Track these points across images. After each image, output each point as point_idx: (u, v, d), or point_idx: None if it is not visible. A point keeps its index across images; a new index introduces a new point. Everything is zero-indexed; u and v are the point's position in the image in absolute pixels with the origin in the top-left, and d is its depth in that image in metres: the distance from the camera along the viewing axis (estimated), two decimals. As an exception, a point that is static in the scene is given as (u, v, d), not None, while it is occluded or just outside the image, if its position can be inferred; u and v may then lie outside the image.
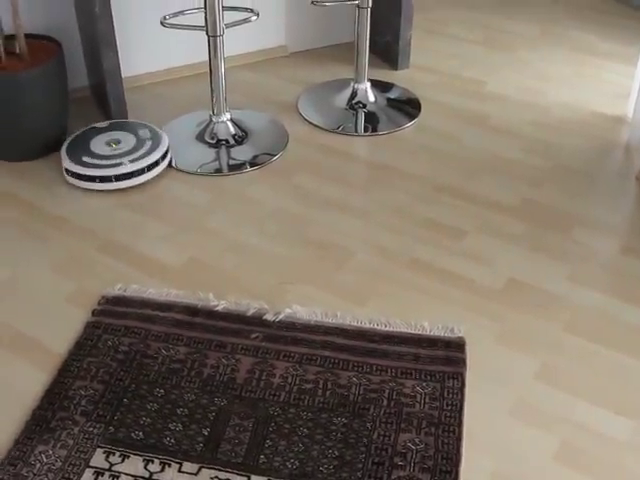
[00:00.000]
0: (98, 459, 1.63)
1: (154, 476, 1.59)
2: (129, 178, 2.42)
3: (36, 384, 1.82)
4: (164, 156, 2.51)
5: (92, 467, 1.62)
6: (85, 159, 2.45)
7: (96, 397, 1.77)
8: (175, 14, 2.53)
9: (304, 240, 2.24)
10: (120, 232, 2.28)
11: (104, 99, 2.75)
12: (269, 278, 2.10)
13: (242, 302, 2.00)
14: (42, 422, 1.72)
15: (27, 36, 2.57)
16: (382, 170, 2.55)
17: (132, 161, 2.43)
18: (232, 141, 2.68)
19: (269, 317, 1.95)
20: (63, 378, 1.82)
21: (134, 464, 1.62)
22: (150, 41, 2.93)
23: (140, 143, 2.51)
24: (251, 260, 2.17)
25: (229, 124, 2.69)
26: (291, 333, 1.91)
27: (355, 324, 1.93)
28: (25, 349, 1.92)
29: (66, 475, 1.60)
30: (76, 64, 2.86)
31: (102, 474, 1.61)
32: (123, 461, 1.63)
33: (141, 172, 2.43)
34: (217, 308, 1.99)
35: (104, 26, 2.53)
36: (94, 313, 2.00)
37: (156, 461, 1.62)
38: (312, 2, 2.66)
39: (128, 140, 2.53)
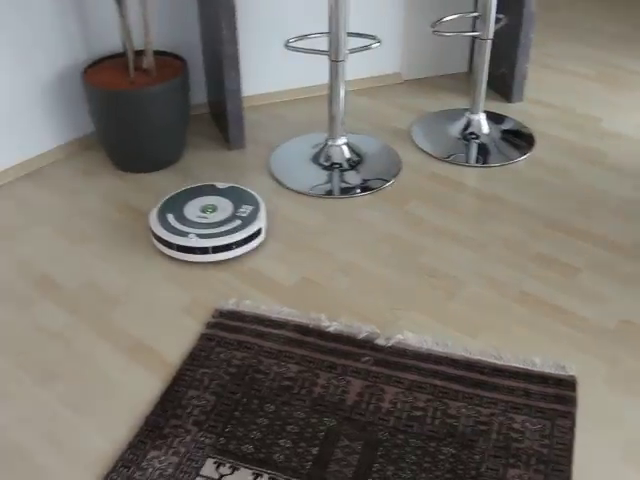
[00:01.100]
0: (209, 469, 1.67)
1: (263, 490, 1.62)
2: (191, 252, 2.27)
3: (150, 391, 1.88)
4: (244, 241, 2.29)
5: (203, 476, 1.66)
6: (169, 219, 2.34)
7: (208, 408, 1.81)
8: (299, 37, 2.59)
9: (415, 267, 2.25)
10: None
11: (223, 118, 2.82)
12: (380, 302, 2.12)
13: (353, 324, 2.02)
14: (155, 428, 1.77)
15: (155, 53, 2.67)
16: (493, 202, 2.55)
17: (203, 236, 2.26)
18: (346, 165, 2.72)
19: (380, 342, 1.97)
20: (177, 387, 1.87)
21: (243, 477, 1.65)
22: (270, 63, 3.01)
23: (231, 218, 2.34)
24: (362, 283, 2.19)
25: (344, 148, 2.73)
26: (401, 359, 1.91)
27: (465, 355, 1.92)
28: (142, 356, 1.99)
29: (179, 481, 1.65)
30: (196, 81, 2.95)
31: (213, 484, 1.64)
32: (232, 473, 1.66)
33: (204, 251, 2.26)
34: (329, 329, 2.02)
35: (229, 48, 2.61)
36: (208, 325, 2.05)
37: (265, 476, 1.65)
38: (433, 32, 2.68)
39: (225, 208, 2.38)
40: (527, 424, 1.73)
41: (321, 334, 2.01)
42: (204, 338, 2.02)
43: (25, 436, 1.79)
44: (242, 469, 1.66)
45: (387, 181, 2.64)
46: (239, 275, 2.23)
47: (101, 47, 2.76)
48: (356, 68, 3.05)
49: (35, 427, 1.81)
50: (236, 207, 2.38)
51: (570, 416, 1.75)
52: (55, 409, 1.86)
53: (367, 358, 1.93)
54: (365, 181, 2.65)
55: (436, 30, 2.67)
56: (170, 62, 2.74)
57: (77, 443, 1.77)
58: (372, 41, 2.55)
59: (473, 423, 1.74)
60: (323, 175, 2.70)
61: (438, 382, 1.85)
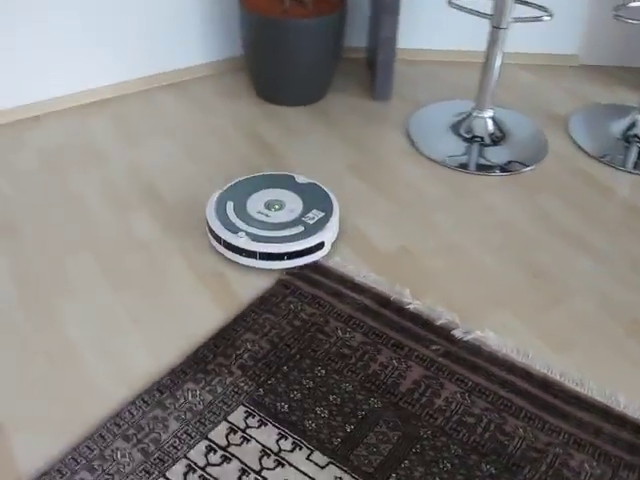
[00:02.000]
0: (237, 416, 1.60)
1: (281, 453, 1.53)
2: (238, 252, 1.97)
3: (211, 322, 1.83)
4: (298, 254, 1.96)
5: (229, 422, 1.59)
6: (228, 208, 2.06)
7: (259, 355, 1.74)
8: (465, -4, 2.40)
9: (524, 263, 2.05)
10: (350, 196, 2.23)
11: (374, 66, 2.69)
12: (472, 291, 1.95)
13: (436, 308, 1.87)
14: (201, 361, 1.72)
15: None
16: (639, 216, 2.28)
17: (255, 238, 1.95)
18: (488, 140, 2.53)
19: (457, 333, 1.81)
20: (236, 326, 1.81)
21: (268, 434, 1.57)
22: (432, 18, 2.83)
23: (295, 222, 2.01)
24: (461, 267, 2.03)
25: (489, 121, 2.53)
26: (473, 358, 1.75)
27: (544, 371, 1.73)
28: (215, 286, 1.94)
29: (202, 420, 1.59)
30: (359, 24, 2.82)
31: (235, 432, 1.57)
32: (259, 427, 1.58)
33: (251, 255, 1.96)
34: (408, 306, 1.88)
35: (391, -8, 2.46)
36: (288, 272, 1.97)
37: (289, 439, 1.56)
38: (614, 16, 2.41)
39: (292, 209, 2.06)
40: (585, 465, 1.54)
41: (399, 310, 1.87)
42: (280, 284, 1.94)
43: (81, 334, 1.79)
44: (269, 426, 1.58)
45: (527, 166, 2.43)
46: (340, 228, 2.12)
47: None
48: (528, 41, 2.82)
49: (93, 328, 1.81)
50: (306, 210, 2.05)
51: (637, 470, 1.53)
52: (118, 317, 1.84)
53: (437, 347, 1.78)
54: (506, 163, 2.45)
55: (618, 15, 2.39)
56: (331, -1, 2.63)
57: (126, 355, 1.75)
58: (543, 13, 2.32)
59: (526, 447, 1.57)
60: (461, 146, 2.52)
61: (503, 392, 1.67)
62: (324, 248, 2.00)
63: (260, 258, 1.94)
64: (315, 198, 2.09)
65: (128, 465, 1.51)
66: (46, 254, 2.03)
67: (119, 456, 1.53)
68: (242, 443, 1.55)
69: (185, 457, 1.53)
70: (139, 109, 2.65)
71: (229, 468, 1.51)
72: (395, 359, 1.75)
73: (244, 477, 1.49)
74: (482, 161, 2.47)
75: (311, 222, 2.00)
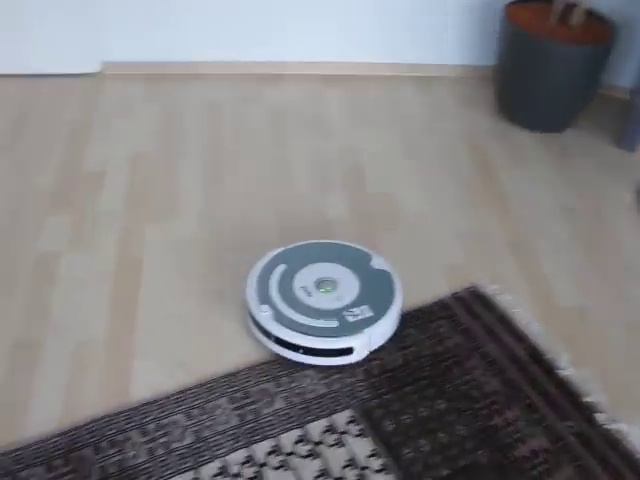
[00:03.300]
0: (341, 418, 1.59)
1: (366, 471, 1.50)
2: (257, 326, 1.71)
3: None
4: (314, 352, 1.66)
5: (331, 420, 1.58)
6: (276, 271, 1.80)
7: (388, 367, 1.71)
8: None
9: None
10: (554, 241, 2.11)
11: (631, 110, 2.49)
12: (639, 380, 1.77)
13: (589, 383, 1.71)
14: (331, 353, 1.71)
15: (587, 11, 2.42)
16: None
17: (278, 318, 1.68)
18: None
19: (600, 418, 1.65)
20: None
21: (362, 446, 1.53)
22: None
23: (333, 313, 1.70)
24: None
25: None
26: (607, 450, 1.59)
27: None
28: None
29: (307, 409, 1.60)
30: (626, 61, 2.63)
31: (332, 432, 1.56)
32: (357, 436, 1.56)
33: (267, 335, 1.69)
34: (560, 371, 1.74)
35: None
36: (454, 295, 1.90)
37: (380, 460, 1.51)
38: None
39: (342, 296, 1.74)
40: None
41: (549, 371, 1.74)
42: (440, 304, 1.87)
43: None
44: (368, 439, 1.55)
45: None
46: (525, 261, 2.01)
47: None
48: None
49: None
50: (356, 302, 1.73)
51: None
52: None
53: (572, 424, 1.63)
54: None
55: None
56: (596, 25, 2.47)
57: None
58: None
59: None
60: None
61: (624, 499, 1.51)
62: (353, 354, 1.68)
63: (275, 342, 1.68)
64: (376, 291, 1.76)
65: (221, 425, 1.55)
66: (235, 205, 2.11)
67: (217, 413, 1.57)
68: (334, 445, 1.53)
69: (275, 438, 1.53)
70: (376, 93, 2.66)
71: (311, 464, 1.49)
72: (522, 420, 1.63)
73: (321, 478, 1.47)
74: None
75: (350, 320, 1.69)
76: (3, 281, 1.87)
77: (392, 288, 1.78)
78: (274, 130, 2.44)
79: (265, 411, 1.58)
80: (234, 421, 1.56)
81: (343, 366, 1.68)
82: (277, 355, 1.69)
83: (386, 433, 1.56)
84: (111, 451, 1.49)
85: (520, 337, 1.81)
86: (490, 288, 1.93)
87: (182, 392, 1.61)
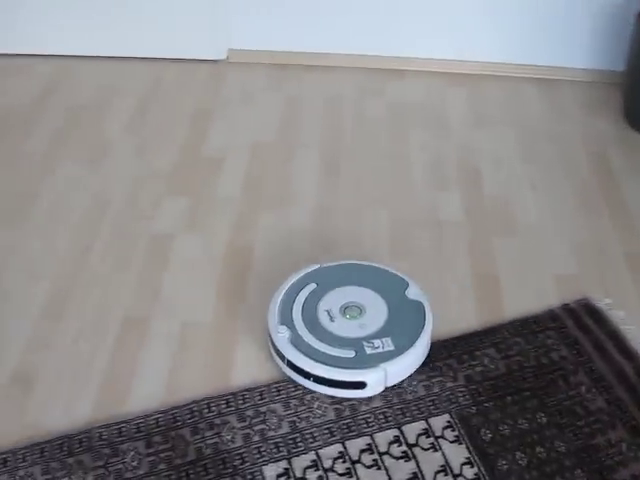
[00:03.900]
0: (438, 422, 1.57)
1: (459, 478, 1.47)
2: (273, 346, 1.65)
3: (464, 321, 1.78)
4: (324, 381, 1.57)
5: (428, 423, 1.57)
6: (304, 290, 1.72)
7: (491, 374, 1.67)
8: None
9: None
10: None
11: None
12: None
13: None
14: (433, 355, 1.70)
15: None
16: None
17: (295, 340, 1.60)
18: None
19: None
20: (484, 336, 1.76)
21: (458, 453, 1.51)
22: None
23: (353, 342, 1.61)
24: None
25: None
26: None
27: None
28: (486, 287, 1.87)
29: (405, 410, 1.59)
30: None
31: (428, 436, 1.54)
32: (453, 442, 1.54)
33: (281, 357, 1.62)
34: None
35: None
36: (563, 305, 1.85)
37: (474, 469, 1.49)
38: None
39: (366, 325, 1.64)
40: None
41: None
42: (548, 314, 1.83)
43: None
44: (463, 446, 1.53)
45: None
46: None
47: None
48: None
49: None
50: (379, 333, 1.63)
51: None
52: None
53: (681, 452, 1.56)
54: None
55: None
56: None
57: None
58: None
59: None
60: None
61: None
62: (365, 389, 1.57)
63: (288, 365, 1.61)
64: (405, 323, 1.65)
65: (318, 417, 1.56)
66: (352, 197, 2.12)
67: (315, 406, 1.58)
68: (429, 449, 1.52)
69: (370, 436, 1.53)
70: (498, 94, 2.61)
71: (404, 466, 1.48)
72: (626, 442, 1.56)
73: (413, 482, 1.46)
74: None
75: (369, 352, 1.58)
76: (119, 258, 1.94)
77: (423, 321, 1.66)
78: (393, 125, 2.43)
79: (363, 408, 1.58)
80: (331, 415, 1.57)
81: (447, 369, 1.66)
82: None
83: (483, 442, 1.53)
84: (208, 433, 1.53)
85: (630, 356, 1.74)
86: (603, 302, 1.86)
87: (282, 382, 1.62)
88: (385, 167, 2.25)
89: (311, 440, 1.52)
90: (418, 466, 1.48)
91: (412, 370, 1.63)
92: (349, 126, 2.43)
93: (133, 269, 1.91)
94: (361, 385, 1.56)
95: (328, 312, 1.66)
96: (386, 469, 1.48)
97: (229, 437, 1.52)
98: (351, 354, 1.57)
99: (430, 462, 1.49)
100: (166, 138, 2.37)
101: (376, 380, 1.57)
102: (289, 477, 1.46)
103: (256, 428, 1.54)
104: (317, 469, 1.47)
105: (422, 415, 1.58)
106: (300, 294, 1.70)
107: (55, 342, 1.72)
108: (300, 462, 1.49)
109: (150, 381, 1.63)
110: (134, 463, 1.48)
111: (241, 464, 1.48)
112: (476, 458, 1.50)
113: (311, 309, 1.67)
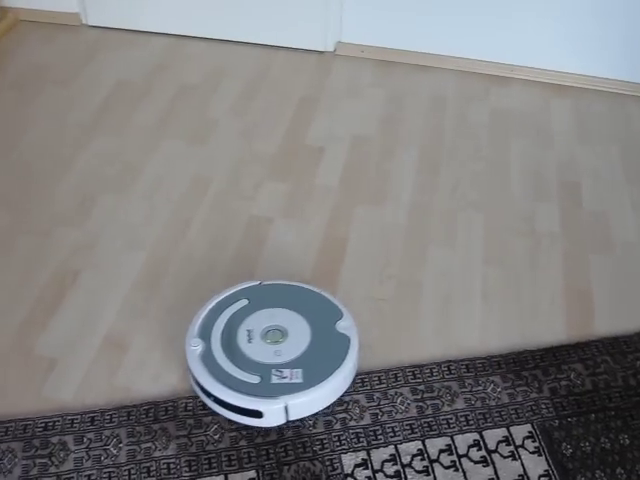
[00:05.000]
0: (519, 431, 1.57)
1: (537, 489, 1.47)
2: (188, 364, 1.56)
3: (556, 333, 1.77)
4: (221, 403, 1.50)
5: (509, 431, 1.56)
6: (233, 307, 1.64)
7: (576, 390, 1.66)
8: None
9: None
10: None
11: None
12: None
13: None
14: (521, 364, 1.70)
15: None
16: None
17: (205, 357, 1.53)
18: None
19: None
20: (572, 351, 1.75)
21: (537, 464, 1.51)
22: None
23: (264, 368, 1.52)
24: None
25: None
26: None
27: None
28: (576, 303, 1.86)
29: (487, 415, 1.60)
30: None
31: (508, 444, 1.55)
32: (533, 453, 1.53)
33: (189, 371, 1.55)
34: None
35: None
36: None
37: (553, 482, 1.48)
38: None
39: (283, 353, 1.54)
40: None
41: None
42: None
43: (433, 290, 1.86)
44: (543, 458, 1.52)
45: None
46: None
47: None
48: None
49: (444, 287, 1.86)
50: (294, 362, 1.53)
51: None
52: (472, 287, 1.88)
53: None
54: None
55: None
56: None
57: (466, 325, 1.79)
58: None
59: None
60: None
61: None
62: (262, 419, 1.48)
63: (193, 380, 1.54)
64: (322, 357, 1.54)
65: (400, 413, 1.58)
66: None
67: (398, 401, 1.60)
68: (508, 457, 1.52)
69: (450, 437, 1.54)
70: (602, 109, 2.57)
71: (481, 471, 1.49)
72: None
73: (490, 487, 1.47)
74: None
75: (274, 380, 1.49)
76: (218, 237, 1.98)
77: (343, 357, 1.54)
78: (495, 131, 2.42)
79: (445, 409, 1.59)
80: (413, 412, 1.58)
81: (532, 380, 1.66)
82: (470, 357, 1.69)
83: (563, 457, 1.53)
84: (295, 415, 1.56)
85: None
86: None
87: (367, 374, 1.65)
88: (484, 172, 2.25)
89: (391, 434, 1.54)
90: (496, 473, 1.49)
91: (320, 407, 1.54)
92: (450, 128, 2.43)
93: (230, 249, 1.95)
94: (257, 414, 1.48)
95: (249, 332, 1.57)
96: (464, 472, 1.48)
97: (311, 422, 1.55)
98: (256, 380, 1.49)
99: (508, 470, 1.49)
100: (270, 123, 2.41)
101: (274, 411, 1.48)
102: (367, 468, 1.48)
103: (338, 416, 1.57)
104: (395, 463, 1.49)
105: (504, 422, 1.58)
106: (228, 309, 1.62)
107: (149, 312, 1.78)
108: (379, 454, 1.51)
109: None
110: (216, 436, 1.52)
111: (320, 449, 1.51)
112: (555, 472, 1.50)
113: (234, 326, 1.58)
